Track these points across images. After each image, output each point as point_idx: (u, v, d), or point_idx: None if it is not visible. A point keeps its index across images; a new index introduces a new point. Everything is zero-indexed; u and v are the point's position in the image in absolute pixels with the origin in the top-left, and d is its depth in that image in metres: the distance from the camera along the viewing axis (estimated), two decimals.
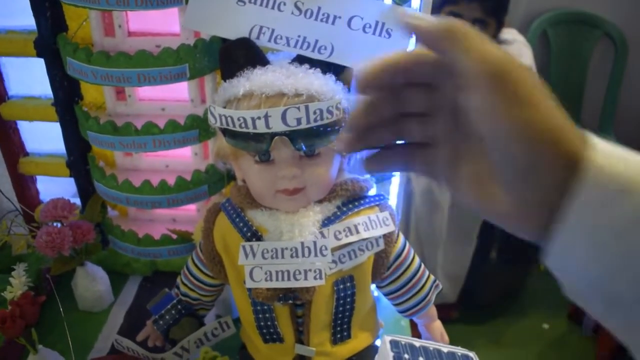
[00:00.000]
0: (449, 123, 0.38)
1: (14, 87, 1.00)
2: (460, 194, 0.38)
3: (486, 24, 1.61)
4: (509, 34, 1.75)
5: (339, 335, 0.80)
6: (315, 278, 0.71)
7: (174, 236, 0.99)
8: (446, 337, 0.91)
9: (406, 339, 0.54)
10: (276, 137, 0.66)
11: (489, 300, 2.00)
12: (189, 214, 1.05)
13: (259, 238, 0.74)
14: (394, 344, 0.52)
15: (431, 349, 0.54)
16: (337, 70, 0.71)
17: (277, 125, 0.65)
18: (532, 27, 2.19)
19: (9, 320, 0.80)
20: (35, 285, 0.85)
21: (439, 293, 0.87)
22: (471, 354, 0.56)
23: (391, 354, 0.51)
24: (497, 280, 1.97)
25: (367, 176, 0.81)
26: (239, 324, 0.90)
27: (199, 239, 0.88)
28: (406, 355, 0.51)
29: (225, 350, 0.87)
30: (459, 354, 0.55)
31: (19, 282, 0.82)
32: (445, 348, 0.55)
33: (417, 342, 0.54)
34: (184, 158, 0.98)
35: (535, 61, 1.77)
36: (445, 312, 0.90)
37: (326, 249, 0.70)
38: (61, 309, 0.81)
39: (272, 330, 0.79)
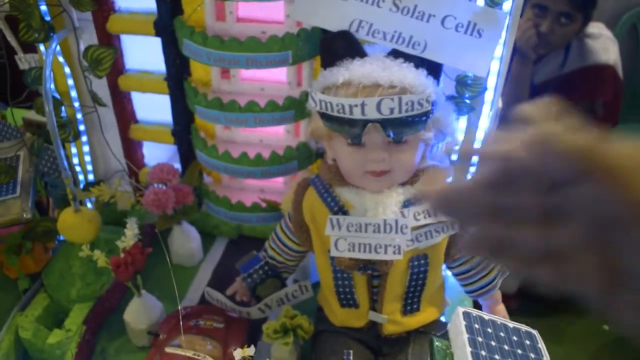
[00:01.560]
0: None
1: (131, 62, 1.11)
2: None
3: (572, 17, 1.60)
4: (595, 27, 1.73)
5: (409, 307, 0.88)
6: (394, 253, 0.78)
7: (264, 204, 1.08)
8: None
9: (477, 312, 0.61)
10: (369, 124, 0.74)
11: (551, 295, 2.00)
12: (276, 186, 1.15)
13: (345, 212, 0.82)
14: (466, 315, 0.59)
15: (498, 322, 0.61)
16: (429, 66, 0.77)
17: (371, 113, 0.72)
18: (620, 21, 2.15)
19: (122, 266, 0.92)
20: (140, 238, 0.97)
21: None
22: (534, 332, 0.63)
23: (464, 323, 0.58)
24: None
25: (447, 164, 0.88)
26: (317, 288, 0.99)
27: (288, 209, 0.98)
28: (476, 325, 0.58)
29: (303, 310, 0.96)
30: (523, 330, 0.62)
31: (131, 233, 0.94)
32: (511, 324, 0.62)
33: (486, 316, 0.61)
34: (277, 134, 1.07)
35: (621, 56, 1.75)
36: (504, 302, 0.96)
37: (406, 227, 0.78)
38: (168, 259, 0.93)
39: (349, 296, 0.88)
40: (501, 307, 0.97)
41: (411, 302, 0.88)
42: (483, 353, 0.55)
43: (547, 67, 1.78)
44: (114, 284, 1.06)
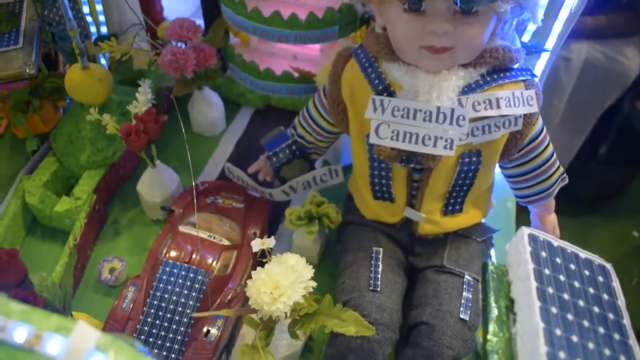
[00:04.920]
0: None
1: None
2: None
3: None
4: None
5: (450, 208, 0.78)
6: (445, 147, 0.66)
7: (296, 74, 0.95)
8: (558, 232, 0.87)
9: (544, 235, 0.50)
10: None
11: (586, 195, 1.90)
12: (311, 53, 1.01)
13: (391, 93, 0.69)
14: (532, 239, 0.48)
15: (569, 251, 0.50)
16: None
17: None
18: None
19: (133, 134, 0.82)
20: (155, 104, 0.86)
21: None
22: (608, 266, 0.52)
23: (529, 249, 0.47)
24: (599, 178, 1.85)
25: (519, 45, 0.72)
26: (348, 173, 0.89)
27: (323, 83, 0.85)
28: (543, 253, 0.48)
29: (331, 197, 0.87)
30: (596, 263, 0.51)
31: (144, 98, 0.83)
32: (583, 253, 0.51)
33: (554, 241, 0.50)
34: None
35: None
36: None
37: (464, 119, 0.65)
38: (183, 128, 0.82)
39: (384, 188, 0.77)
40: (552, 218, 0.86)
41: (454, 203, 0.77)
42: (550, 290, 0.45)
43: None
44: (127, 151, 0.97)
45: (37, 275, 0.71)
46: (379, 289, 0.73)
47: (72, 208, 0.87)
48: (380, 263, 0.77)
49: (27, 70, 0.86)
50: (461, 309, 0.72)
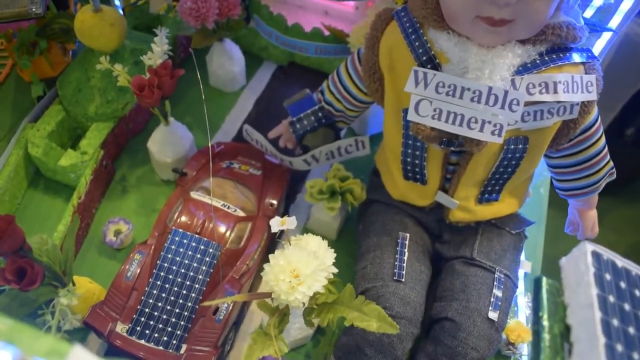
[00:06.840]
0: None
1: None
2: None
3: None
4: None
5: (486, 196, 0.72)
6: (493, 133, 0.59)
7: (327, 32, 0.87)
8: (596, 229, 0.80)
9: (607, 252, 0.44)
10: None
11: None
12: (345, 10, 0.92)
13: (436, 66, 0.61)
14: (596, 257, 0.42)
15: (633, 273, 0.44)
16: None
17: None
18: None
19: (147, 89, 0.75)
20: (171, 55, 0.79)
21: None
22: None
23: (592, 270, 0.41)
24: (622, 160, 1.76)
25: (582, 22, 0.63)
26: (374, 146, 0.83)
27: (357, 45, 0.77)
28: (607, 276, 0.42)
29: (355, 170, 0.82)
30: None
31: (160, 49, 0.76)
32: None
33: (619, 261, 0.44)
34: None
35: None
36: None
37: (518, 103, 0.58)
38: (200, 84, 0.75)
39: (417, 169, 0.71)
40: (592, 213, 0.79)
41: (491, 190, 0.71)
42: (615, 323, 0.39)
43: None
44: (137, 106, 0.90)
45: (37, 237, 0.66)
46: (403, 280, 0.68)
47: (78, 163, 0.81)
48: (406, 250, 0.71)
49: (34, 9, 0.79)
50: (490, 307, 0.66)
